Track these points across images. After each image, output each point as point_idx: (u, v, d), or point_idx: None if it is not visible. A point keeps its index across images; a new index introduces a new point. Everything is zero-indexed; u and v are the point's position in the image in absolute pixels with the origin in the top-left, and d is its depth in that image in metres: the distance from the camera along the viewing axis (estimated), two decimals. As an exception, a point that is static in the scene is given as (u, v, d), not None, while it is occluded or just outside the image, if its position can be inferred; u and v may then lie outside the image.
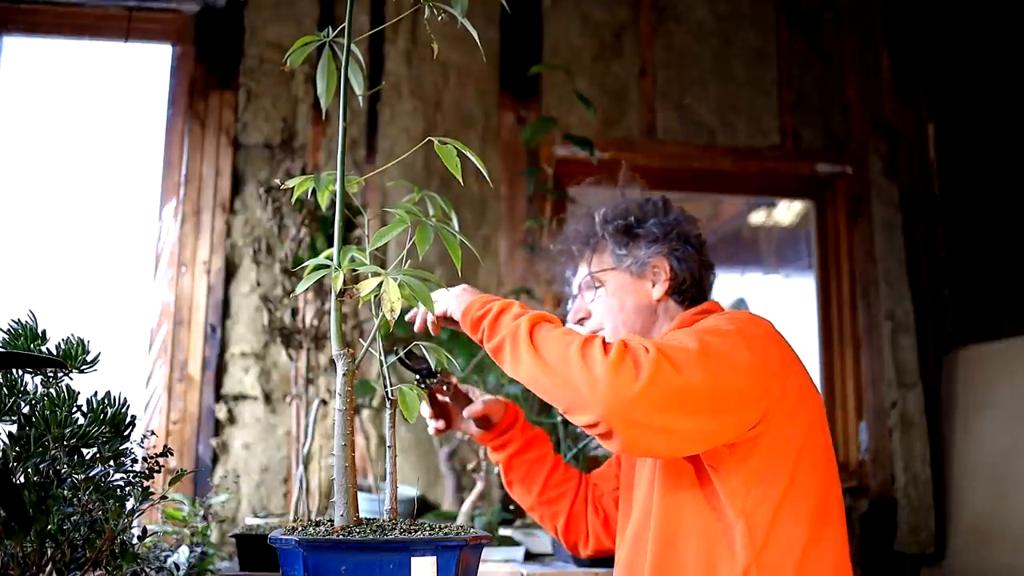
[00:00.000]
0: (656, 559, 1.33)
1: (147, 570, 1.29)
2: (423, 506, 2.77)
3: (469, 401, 1.65)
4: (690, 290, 1.55)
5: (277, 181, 2.52)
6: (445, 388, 1.63)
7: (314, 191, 1.14)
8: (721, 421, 1.24)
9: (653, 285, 1.55)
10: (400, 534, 0.99)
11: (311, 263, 1.10)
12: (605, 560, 1.99)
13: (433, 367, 1.37)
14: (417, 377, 1.56)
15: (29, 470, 0.95)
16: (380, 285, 1.04)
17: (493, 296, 1.40)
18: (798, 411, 1.32)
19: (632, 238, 1.57)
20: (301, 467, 1.77)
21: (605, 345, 1.23)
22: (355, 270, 1.09)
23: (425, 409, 1.66)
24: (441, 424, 1.65)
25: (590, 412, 1.19)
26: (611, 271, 1.57)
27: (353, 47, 1.10)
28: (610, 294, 1.56)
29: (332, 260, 1.09)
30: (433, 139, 1.10)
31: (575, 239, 1.64)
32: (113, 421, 1.02)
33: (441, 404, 1.65)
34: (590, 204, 1.67)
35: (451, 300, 1.42)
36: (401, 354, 1.46)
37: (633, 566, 1.41)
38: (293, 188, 1.14)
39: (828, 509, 1.32)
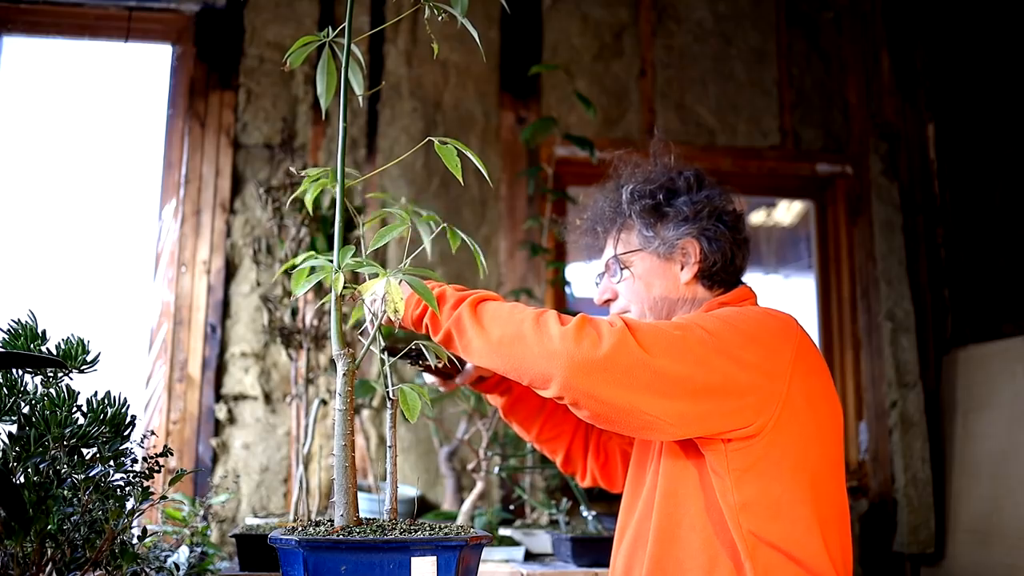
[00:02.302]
0: (656, 550, 1.33)
1: (147, 570, 1.29)
2: (423, 506, 2.77)
3: (462, 365, 1.63)
4: (720, 273, 1.48)
5: (275, 183, 2.51)
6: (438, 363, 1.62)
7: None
8: (698, 409, 1.21)
9: (682, 268, 1.48)
10: (400, 534, 0.99)
11: (304, 265, 1.10)
12: (605, 560, 1.99)
13: (419, 347, 1.38)
14: (409, 361, 1.54)
15: (29, 470, 0.95)
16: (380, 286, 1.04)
17: (427, 288, 1.39)
18: (805, 415, 1.29)
19: (660, 217, 1.48)
20: (301, 467, 1.77)
21: (561, 317, 1.22)
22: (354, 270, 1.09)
23: (431, 378, 1.66)
24: (442, 386, 1.64)
25: (552, 383, 1.19)
26: (638, 252, 1.50)
27: (353, 47, 1.10)
28: (637, 277, 1.50)
29: (324, 260, 1.09)
30: (433, 139, 1.10)
31: (601, 217, 1.57)
32: (113, 421, 1.02)
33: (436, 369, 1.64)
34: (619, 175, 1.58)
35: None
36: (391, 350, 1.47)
37: (634, 556, 1.41)
38: (292, 189, 1.14)
39: (830, 516, 1.31)
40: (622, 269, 1.51)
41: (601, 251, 1.59)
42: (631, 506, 1.48)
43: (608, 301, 1.55)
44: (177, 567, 1.40)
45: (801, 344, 1.32)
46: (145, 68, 3.03)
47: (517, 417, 1.68)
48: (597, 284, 1.59)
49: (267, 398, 2.79)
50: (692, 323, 1.26)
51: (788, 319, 1.36)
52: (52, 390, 1.03)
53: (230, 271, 2.85)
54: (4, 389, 1.00)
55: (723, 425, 1.24)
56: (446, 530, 1.05)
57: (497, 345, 1.24)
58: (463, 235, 1.13)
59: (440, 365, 1.58)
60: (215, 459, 2.75)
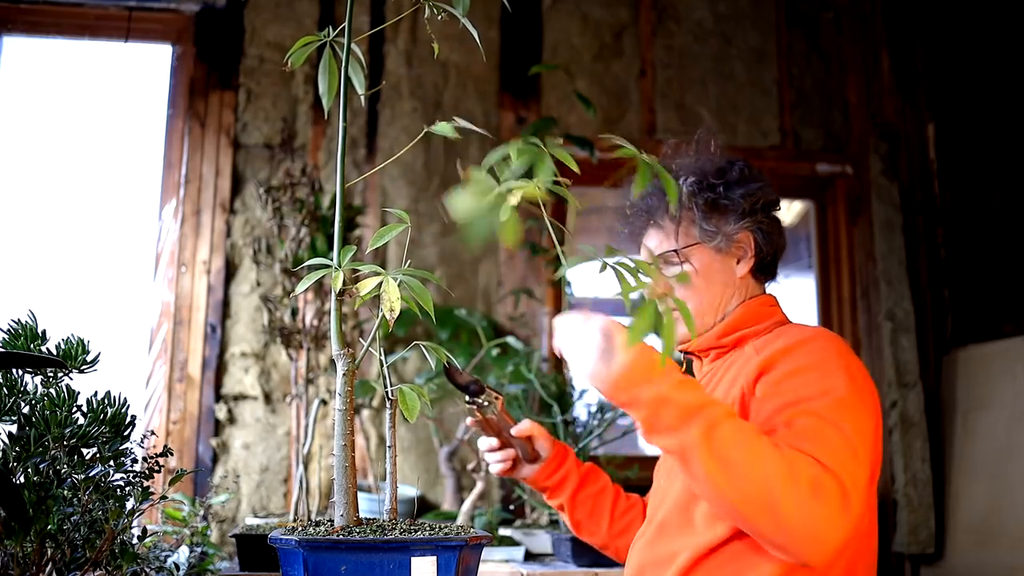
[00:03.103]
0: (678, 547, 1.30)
1: (147, 570, 1.29)
2: (423, 506, 2.77)
3: (515, 422, 1.52)
4: (770, 265, 1.47)
5: (275, 183, 2.49)
6: (490, 408, 1.47)
7: (313, 194, 1.15)
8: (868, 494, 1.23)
9: (738, 262, 1.45)
10: (400, 534, 0.99)
11: (310, 262, 1.10)
12: (605, 560, 1.99)
13: (482, 384, 1.33)
14: (467, 398, 1.45)
15: (29, 470, 0.95)
16: (380, 285, 1.04)
17: (644, 370, 1.15)
18: (875, 444, 1.28)
19: (719, 212, 1.44)
20: (301, 467, 1.77)
21: (815, 483, 1.11)
22: (355, 270, 1.09)
23: (485, 442, 1.54)
24: (507, 461, 1.52)
25: (789, 554, 1.14)
26: (697, 246, 1.44)
27: (353, 47, 1.10)
28: (696, 271, 1.44)
29: (332, 260, 1.09)
30: (430, 128, 1.10)
31: (658, 209, 1.48)
32: (113, 421, 1.02)
33: (503, 438, 1.52)
34: (672, 164, 1.49)
35: (596, 367, 1.18)
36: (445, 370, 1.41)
37: (653, 549, 1.37)
38: (292, 189, 1.14)
39: (861, 549, 1.29)
40: (681, 263, 1.45)
41: (641, 239, 1.52)
42: (657, 496, 1.45)
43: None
44: (177, 567, 1.40)
45: (871, 380, 1.32)
46: (145, 68, 3.03)
47: (583, 511, 1.58)
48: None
49: (267, 398, 2.79)
50: (845, 422, 1.20)
51: (850, 351, 1.34)
52: (52, 390, 1.03)
53: (230, 271, 2.85)
54: (4, 389, 1.00)
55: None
56: (446, 530, 1.05)
57: (739, 503, 1.12)
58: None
59: (489, 395, 1.44)
60: (215, 459, 2.75)
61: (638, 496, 1.64)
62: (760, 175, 1.48)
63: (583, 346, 1.19)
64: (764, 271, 1.46)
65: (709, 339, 1.43)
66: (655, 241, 1.48)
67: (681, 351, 1.49)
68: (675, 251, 1.44)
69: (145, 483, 1.03)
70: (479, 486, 2.05)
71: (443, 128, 1.06)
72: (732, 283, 1.44)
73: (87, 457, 1.00)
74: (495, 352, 2.50)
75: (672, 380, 1.16)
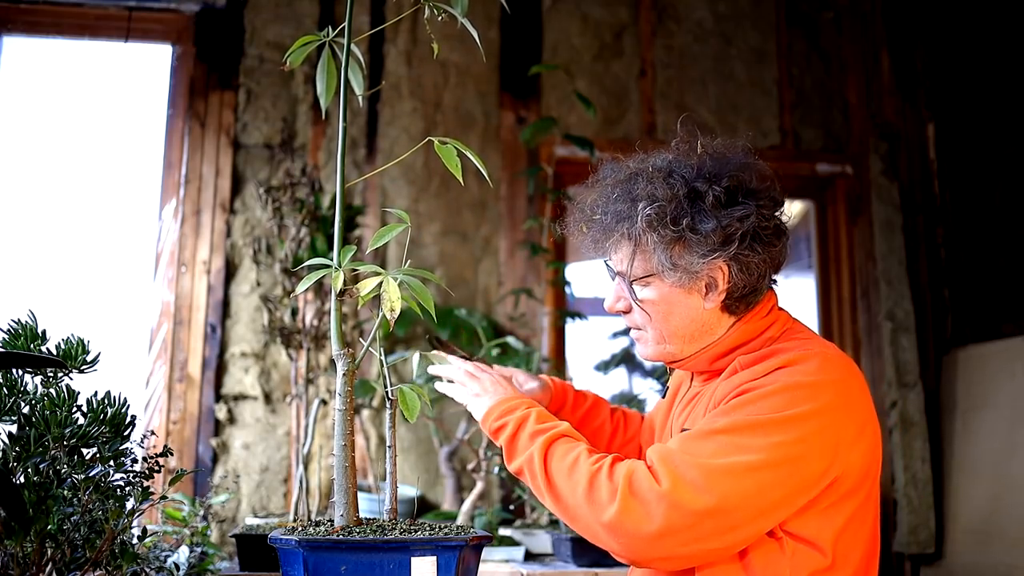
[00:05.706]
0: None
1: (147, 570, 1.29)
2: (423, 506, 2.77)
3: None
4: (749, 296, 1.29)
5: (275, 183, 2.49)
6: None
7: (313, 195, 1.15)
8: (769, 521, 1.16)
9: (706, 294, 1.28)
10: (400, 534, 0.99)
11: (310, 262, 1.10)
12: (605, 560, 1.99)
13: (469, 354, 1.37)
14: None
15: (29, 470, 0.95)
16: (380, 285, 1.04)
17: (514, 400, 1.34)
18: (858, 488, 1.22)
19: (683, 243, 1.25)
20: (301, 467, 1.77)
21: (611, 478, 1.16)
22: (355, 270, 1.09)
23: None
24: None
25: (620, 556, 1.18)
26: (654, 277, 1.29)
27: (353, 47, 1.10)
28: (654, 300, 1.30)
29: (332, 260, 1.09)
30: (433, 139, 1.10)
31: (610, 231, 1.32)
32: (113, 421, 1.02)
33: None
34: (631, 178, 1.32)
35: (474, 399, 1.40)
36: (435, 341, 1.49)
37: None
38: (292, 189, 1.15)
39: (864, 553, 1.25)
40: (636, 291, 1.32)
41: (607, 253, 1.38)
42: None
43: (623, 312, 1.37)
44: (177, 567, 1.40)
45: (862, 408, 1.22)
46: (145, 68, 3.03)
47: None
48: (609, 285, 1.40)
49: (267, 398, 2.79)
50: (737, 442, 1.15)
51: (850, 375, 1.23)
52: (52, 390, 1.03)
53: (230, 271, 2.85)
54: (4, 389, 1.00)
55: (795, 509, 1.19)
56: (446, 530, 1.05)
57: (563, 510, 1.22)
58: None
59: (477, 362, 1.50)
60: (215, 459, 2.75)
61: (638, 415, 1.63)
62: (751, 191, 1.27)
63: (477, 389, 1.40)
64: (739, 301, 1.29)
65: (701, 363, 1.34)
66: (620, 255, 1.34)
67: (672, 366, 1.40)
68: (628, 283, 1.32)
69: (145, 483, 1.03)
70: (479, 486, 2.05)
71: (446, 156, 1.06)
72: (699, 316, 1.30)
73: (87, 457, 1.00)
74: (495, 352, 2.50)
75: (536, 412, 1.32)
